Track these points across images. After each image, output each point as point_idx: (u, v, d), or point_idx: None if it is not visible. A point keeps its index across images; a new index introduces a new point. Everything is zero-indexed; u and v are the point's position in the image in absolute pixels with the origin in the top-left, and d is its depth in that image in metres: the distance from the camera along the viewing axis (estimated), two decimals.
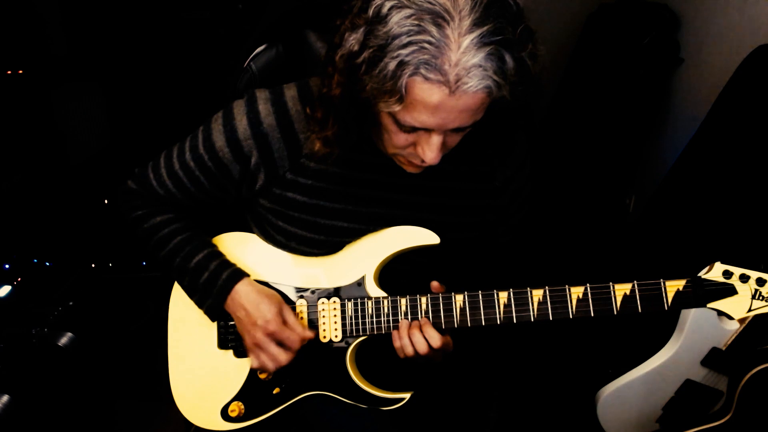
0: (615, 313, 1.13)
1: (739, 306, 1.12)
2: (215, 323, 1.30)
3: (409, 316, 1.19)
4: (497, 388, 1.46)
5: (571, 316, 1.14)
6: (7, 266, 2.12)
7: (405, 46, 0.90)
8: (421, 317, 1.19)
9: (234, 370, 1.29)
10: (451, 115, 0.96)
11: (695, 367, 1.46)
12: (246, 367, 1.28)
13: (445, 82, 0.91)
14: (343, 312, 1.23)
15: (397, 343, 1.19)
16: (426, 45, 0.89)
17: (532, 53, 0.95)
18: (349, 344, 1.23)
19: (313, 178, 1.20)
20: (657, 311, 1.13)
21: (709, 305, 1.12)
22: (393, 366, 1.27)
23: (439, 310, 1.18)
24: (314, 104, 1.11)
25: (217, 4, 2.92)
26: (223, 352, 1.30)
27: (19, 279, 2.08)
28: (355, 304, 1.23)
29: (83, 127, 2.90)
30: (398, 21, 0.90)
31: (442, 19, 0.89)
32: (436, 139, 1.01)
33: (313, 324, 1.25)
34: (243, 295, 1.23)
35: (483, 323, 1.16)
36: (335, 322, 1.24)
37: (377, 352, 1.25)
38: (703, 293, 1.12)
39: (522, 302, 1.15)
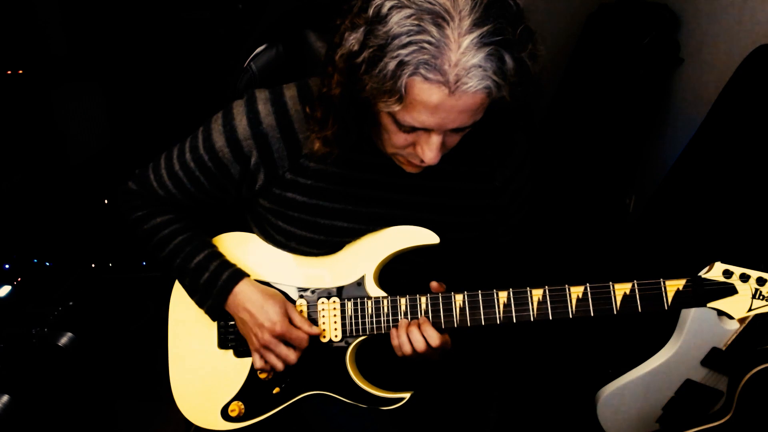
0: (615, 312, 1.13)
1: (739, 305, 1.12)
2: (215, 323, 1.30)
3: (409, 316, 1.19)
4: (497, 388, 1.46)
5: (570, 316, 1.14)
6: (7, 266, 2.12)
7: (405, 46, 0.90)
8: (421, 317, 1.19)
9: (234, 370, 1.29)
10: (450, 115, 0.96)
11: (695, 367, 1.46)
12: (246, 367, 1.28)
13: (444, 82, 0.91)
14: (343, 312, 1.23)
15: (395, 341, 1.19)
16: (426, 45, 0.89)
17: (531, 53, 0.95)
18: (348, 344, 1.23)
19: (312, 178, 1.20)
20: (657, 311, 1.13)
21: (709, 305, 1.12)
22: (393, 366, 1.27)
23: (439, 310, 1.18)
24: (314, 104, 1.11)
25: (217, 4, 2.91)
26: (223, 352, 1.30)
27: (19, 279, 2.08)
28: (355, 304, 1.23)
29: (83, 127, 2.90)
30: (398, 21, 0.90)
31: (442, 19, 0.90)
32: (435, 139, 1.01)
33: (312, 324, 1.25)
34: (244, 295, 1.23)
35: (483, 323, 1.16)
36: (335, 322, 1.24)
37: (377, 352, 1.25)
38: (703, 293, 1.12)
39: (522, 302, 1.15)
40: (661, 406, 1.52)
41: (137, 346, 2.21)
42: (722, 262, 1.12)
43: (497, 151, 1.22)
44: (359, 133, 1.11)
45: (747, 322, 1.39)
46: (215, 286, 1.24)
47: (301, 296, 1.27)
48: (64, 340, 1.80)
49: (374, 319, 1.21)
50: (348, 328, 1.23)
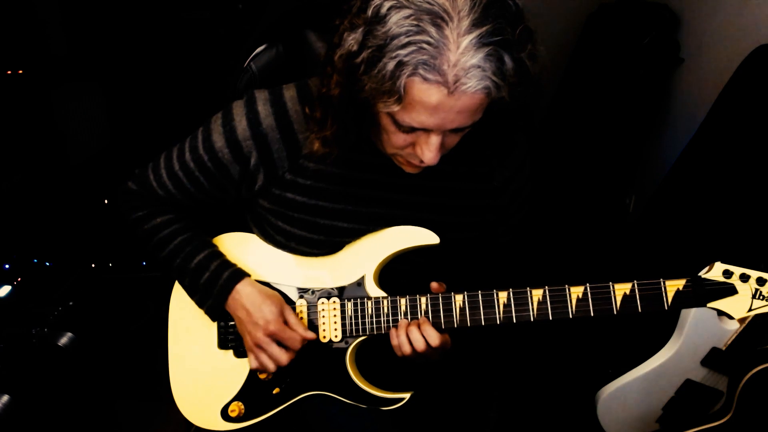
0: (615, 312, 1.13)
1: (739, 305, 1.12)
2: (215, 323, 1.30)
3: (409, 316, 1.19)
4: (497, 388, 1.46)
5: (570, 316, 1.14)
6: (7, 266, 2.12)
7: (404, 46, 0.90)
8: (421, 317, 1.19)
9: (234, 370, 1.29)
10: (449, 115, 0.96)
11: (695, 367, 1.46)
12: (246, 367, 1.28)
13: (443, 82, 0.91)
14: (342, 312, 1.23)
15: (394, 341, 1.19)
16: (425, 45, 0.89)
17: (531, 54, 0.95)
18: (348, 344, 1.23)
19: (312, 179, 1.20)
20: (657, 311, 1.13)
21: (709, 305, 1.12)
22: (393, 366, 1.27)
23: (439, 310, 1.18)
24: (313, 104, 1.11)
25: (217, 4, 2.91)
26: (223, 352, 1.30)
27: (19, 279, 2.08)
28: (355, 305, 1.23)
29: (83, 127, 2.90)
30: (397, 21, 0.90)
31: (441, 20, 0.89)
32: (434, 140, 1.01)
33: (312, 324, 1.25)
34: (244, 295, 1.23)
35: (483, 323, 1.16)
36: (335, 323, 1.24)
37: (377, 352, 1.25)
38: (703, 293, 1.12)
39: (522, 302, 1.15)
40: (661, 406, 1.52)
41: (137, 346, 2.21)
42: (722, 262, 1.12)
43: (497, 151, 1.22)
44: (358, 133, 1.11)
45: (747, 322, 1.39)
46: (215, 285, 1.24)
47: (301, 296, 1.27)
48: (64, 340, 1.80)
49: (374, 320, 1.21)
50: (348, 328, 1.23)
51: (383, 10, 0.91)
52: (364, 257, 1.23)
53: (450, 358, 1.25)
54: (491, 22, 0.90)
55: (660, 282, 1.12)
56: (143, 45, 2.91)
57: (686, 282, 1.12)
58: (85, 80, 2.90)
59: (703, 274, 1.13)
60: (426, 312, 1.18)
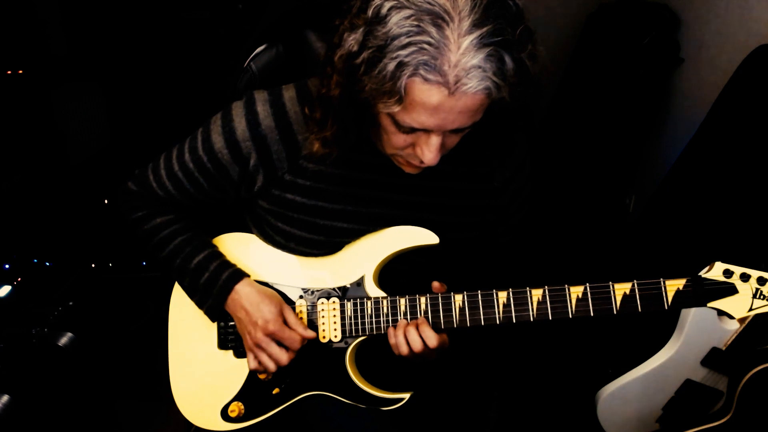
0: (615, 312, 1.13)
1: (739, 305, 1.12)
2: (215, 324, 1.30)
3: (408, 317, 1.19)
4: (497, 388, 1.46)
5: (570, 316, 1.14)
6: (7, 266, 2.12)
7: (404, 46, 0.90)
8: (420, 318, 1.19)
9: (234, 371, 1.29)
10: (450, 116, 0.96)
11: (695, 367, 1.46)
12: (246, 367, 1.28)
13: (444, 83, 0.91)
14: (342, 312, 1.23)
15: (392, 341, 1.19)
16: (425, 46, 0.89)
17: (531, 54, 0.95)
18: (348, 344, 1.23)
19: (311, 179, 1.20)
20: (657, 311, 1.12)
21: (709, 304, 1.12)
22: (393, 366, 1.27)
23: (438, 310, 1.18)
24: (313, 105, 1.11)
25: (217, 4, 2.91)
26: (223, 352, 1.30)
27: (19, 279, 2.08)
28: (355, 305, 1.23)
29: (83, 127, 2.90)
30: (397, 21, 0.90)
31: (441, 20, 0.89)
32: (435, 140, 1.01)
33: (312, 324, 1.25)
34: (243, 295, 1.23)
35: (482, 323, 1.16)
36: (335, 323, 1.24)
37: (377, 352, 1.25)
38: (703, 292, 1.12)
39: (521, 302, 1.15)
40: (661, 406, 1.52)
41: (137, 346, 2.21)
42: (722, 262, 1.12)
43: (497, 151, 1.22)
44: (358, 133, 1.11)
45: (747, 321, 1.39)
46: (215, 286, 1.24)
47: (301, 297, 1.27)
48: (64, 340, 1.80)
49: (374, 320, 1.21)
50: (347, 328, 1.23)
51: (384, 10, 0.91)
52: (363, 257, 1.23)
53: (449, 358, 1.25)
54: (492, 22, 0.90)
55: (660, 282, 1.12)
56: (143, 45, 2.90)
57: (686, 282, 1.12)
58: (85, 80, 2.90)
59: (703, 273, 1.13)
60: (425, 312, 1.18)
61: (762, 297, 1.11)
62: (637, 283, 1.12)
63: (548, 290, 1.15)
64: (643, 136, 2.62)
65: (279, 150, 1.19)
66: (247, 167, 1.20)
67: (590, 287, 1.14)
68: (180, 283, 1.31)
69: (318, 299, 1.25)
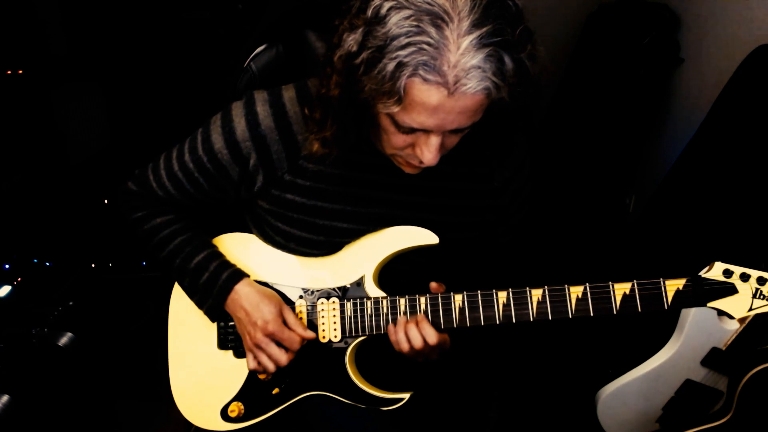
0: (615, 312, 1.13)
1: (739, 305, 1.12)
2: (215, 324, 1.30)
3: (408, 317, 1.19)
4: (497, 388, 1.46)
5: (570, 316, 1.14)
6: (7, 266, 2.12)
7: (404, 47, 0.90)
8: (420, 315, 1.18)
9: (234, 371, 1.29)
10: (449, 116, 0.96)
11: (695, 367, 1.46)
12: (246, 367, 1.28)
13: (443, 83, 0.91)
14: (342, 312, 1.23)
15: (392, 337, 1.19)
16: (425, 46, 0.89)
17: (531, 54, 0.95)
18: (348, 344, 1.23)
19: (311, 180, 1.20)
20: (657, 311, 1.12)
21: (709, 304, 1.12)
22: (393, 366, 1.27)
23: (438, 310, 1.18)
24: (312, 105, 1.11)
25: (217, 4, 2.91)
26: (223, 352, 1.30)
27: (19, 279, 2.08)
28: (354, 305, 1.23)
29: (83, 127, 2.90)
30: (397, 22, 0.90)
31: (441, 20, 0.89)
32: (434, 140, 1.01)
33: (312, 324, 1.25)
34: (242, 295, 1.23)
35: (482, 323, 1.16)
36: (334, 323, 1.24)
37: (377, 352, 1.25)
38: (703, 292, 1.12)
39: (521, 302, 1.15)
40: (661, 406, 1.52)
41: (137, 346, 2.21)
42: (722, 262, 1.12)
43: (496, 151, 1.22)
44: (358, 133, 1.11)
45: (747, 321, 1.39)
46: (215, 286, 1.24)
47: (301, 297, 1.27)
48: (64, 340, 1.80)
49: (373, 320, 1.21)
50: (347, 328, 1.23)
51: (383, 10, 0.91)
52: (363, 257, 1.23)
53: (450, 358, 1.25)
54: (491, 22, 0.90)
55: (660, 282, 1.12)
56: (143, 45, 2.90)
57: (686, 281, 1.12)
58: (85, 80, 2.90)
59: (703, 273, 1.13)
60: (425, 312, 1.18)
61: (762, 297, 1.11)
62: (637, 283, 1.12)
63: (548, 290, 1.15)
64: (643, 136, 2.62)
65: (279, 150, 1.19)
66: (246, 167, 1.20)
67: (590, 287, 1.13)
68: (180, 283, 1.31)
69: (318, 299, 1.25)
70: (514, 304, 1.15)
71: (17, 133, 2.58)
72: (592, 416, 1.58)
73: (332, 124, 1.07)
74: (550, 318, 1.15)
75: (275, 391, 1.27)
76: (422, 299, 1.19)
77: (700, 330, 1.41)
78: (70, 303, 1.98)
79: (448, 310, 1.18)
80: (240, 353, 1.29)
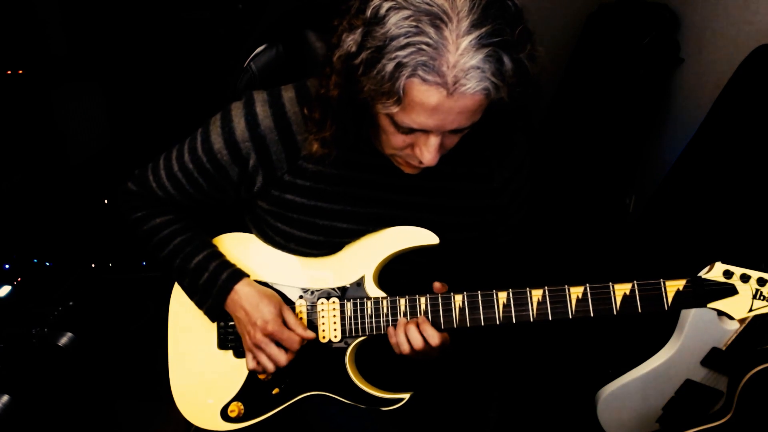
0: (615, 313, 1.13)
1: (739, 306, 1.12)
2: (215, 324, 1.30)
3: (408, 317, 1.19)
4: (497, 388, 1.46)
5: (570, 317, 1.14)
6: (7, 266, 2.12)
7: (403, 47, 0.90)
8: (420, 317, 1.18)
9: (234, 371, 1.29)
10: (449, 116, 0.96)
11: (695, 367, 1.46)
12: (246, 367, 1.28)
13: (443, 83, 0.91)
14: (342, 312, 1.23)
15: (392, 340, 1.19)
16: (424, 46, 0.89)
17: (530, 54, 0.95)
18: (348, 344, 1.23)
19: (311, 180, 1.20)
20: (657, 311, 1.12)
21: (709, 305, 1.12)
22: (393, 366, 1.27)
23: (438, 310, 1.18)
24: (312, 105, 1.11)
25: (217, 4, 2.91)
26: (223, 352, 1.30)
27: (19, 279, 2.08)
28: (355, 305, 1.23)
29: (83, 127, 2.90)
30: (396, 22, 0.90)
31: (440, 21, 0.89)
32: (433, 141, 1.01)
33: (312, 324, 1.25)
34: (242, 295, 1.23)
35: (482, 324, 1.16)
36: (334, 323, 1.24)
37: (377, 352, 1.25)
38: (703, 293, 1.12)
39: (521, 302, 1.15)
40: (661, 406, 1.52)
41: (137, 346, 2.21)
42: (723, 263, 1.12)
43: (496, 151, 1.22)
44: (357, 134, 1.11)
45: (747, 322, 1.39)
46: (214, 286, 1.24)
47: (301, 297, 1.27)
48: (64, 340, 1.80)
49: (373, 320, 1.21)
50: (347, 328, 1.23)
51: (382, 11, 0.91)
52: (363, 257, 1.23)
53: (450, 358, 1.25)
54: (490, 22, 0.90)
55: (660, 282, 1.12)
56: (143, 45, 2.90)
57: (686, 282, 1.12)
58: (85, 80, 2.90)
59: (703, 274, 1.12)
60: (425, 312, 1.18)
61: (762, 298, 1.11)
62: (637, 284, 1.12)
63: (548, 290, 1.15)
64: (643, 136, 2.62)
65: (278, 150, 1.19)
66: (246, 168, 1.20)
67: (590, 288, 1.13)
68: (180, 283, 1.31)
69: (318, 299, 1.25)
70: (514, 305, 1.15)
71: (17, 133, 2.58)
72: (592, 416, 1.58)
73: (332, 124, 1.07)
74: (550, 318, 1.15)
75: (275, 391, 1.27)
76: (422, 299, 1.19)
77: (700, 330, 1.41)
78: (70, 303, 1.98)
79: (448, 311, 1.18)
80: (240, 353, 1.29)
